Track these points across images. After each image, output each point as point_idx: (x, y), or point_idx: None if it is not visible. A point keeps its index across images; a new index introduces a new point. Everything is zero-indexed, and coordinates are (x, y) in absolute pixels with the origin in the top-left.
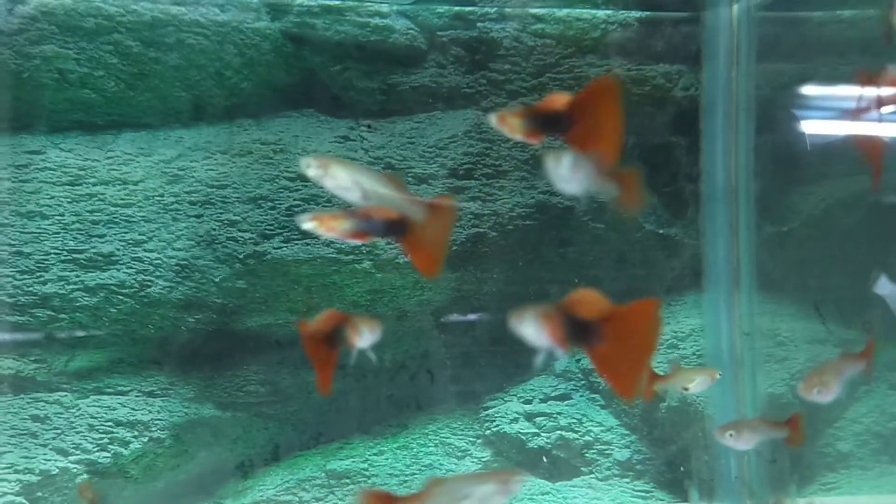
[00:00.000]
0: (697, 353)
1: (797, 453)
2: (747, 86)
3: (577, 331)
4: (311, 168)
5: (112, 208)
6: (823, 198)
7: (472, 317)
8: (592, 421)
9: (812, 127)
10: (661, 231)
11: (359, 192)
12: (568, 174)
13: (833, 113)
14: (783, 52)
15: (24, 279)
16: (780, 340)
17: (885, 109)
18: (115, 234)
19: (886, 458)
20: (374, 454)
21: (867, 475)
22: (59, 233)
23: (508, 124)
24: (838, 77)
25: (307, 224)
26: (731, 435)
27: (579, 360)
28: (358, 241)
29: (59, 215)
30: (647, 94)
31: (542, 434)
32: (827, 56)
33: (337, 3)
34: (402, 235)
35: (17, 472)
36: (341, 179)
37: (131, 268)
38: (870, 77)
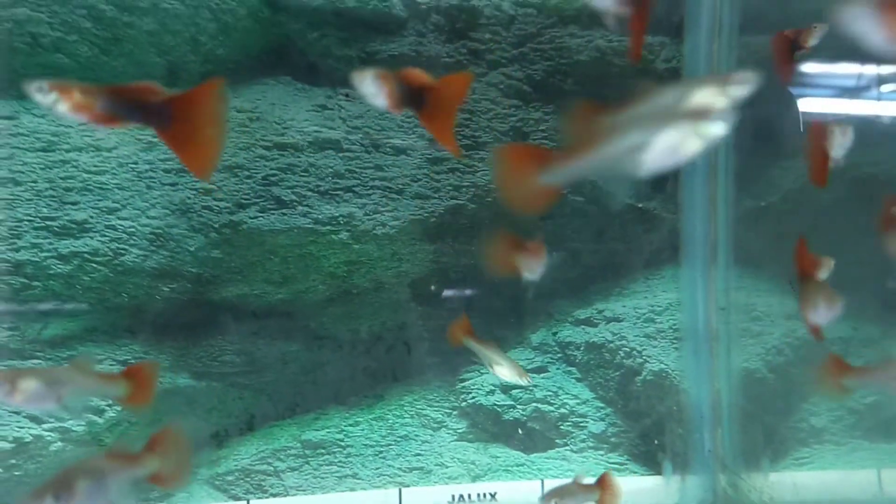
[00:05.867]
0: (674, 327)
1: (770, 428)
2: (729, 59)
3: None
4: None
5: (85, 175)
6: (802, 173)
7: (449, 289)
8: (568, 394)
9: (793, 102)
10: (640, 205)
11: None
12: None
13: (815, 88)
14: (766, 24)
15: None
16: (755, 315)
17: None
18: (88, 202)
19: (859, 434)
20: (350, 425)
21: (840, 450)
22: (32, 199)
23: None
24: (822, 51)
25: (43, 97)
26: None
27: (556, 333)
28: (107, 126)
29: (33, 182)
30: (629, 66)
31: (518, 406)
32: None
33: None
34: (164, 124)
35: None
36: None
37: (105, 236)
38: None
